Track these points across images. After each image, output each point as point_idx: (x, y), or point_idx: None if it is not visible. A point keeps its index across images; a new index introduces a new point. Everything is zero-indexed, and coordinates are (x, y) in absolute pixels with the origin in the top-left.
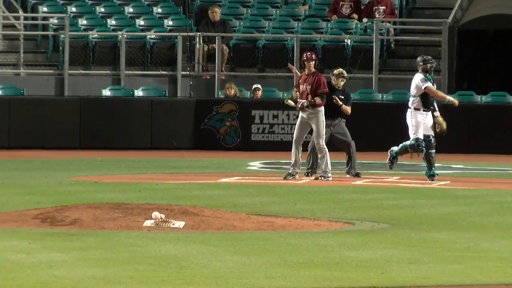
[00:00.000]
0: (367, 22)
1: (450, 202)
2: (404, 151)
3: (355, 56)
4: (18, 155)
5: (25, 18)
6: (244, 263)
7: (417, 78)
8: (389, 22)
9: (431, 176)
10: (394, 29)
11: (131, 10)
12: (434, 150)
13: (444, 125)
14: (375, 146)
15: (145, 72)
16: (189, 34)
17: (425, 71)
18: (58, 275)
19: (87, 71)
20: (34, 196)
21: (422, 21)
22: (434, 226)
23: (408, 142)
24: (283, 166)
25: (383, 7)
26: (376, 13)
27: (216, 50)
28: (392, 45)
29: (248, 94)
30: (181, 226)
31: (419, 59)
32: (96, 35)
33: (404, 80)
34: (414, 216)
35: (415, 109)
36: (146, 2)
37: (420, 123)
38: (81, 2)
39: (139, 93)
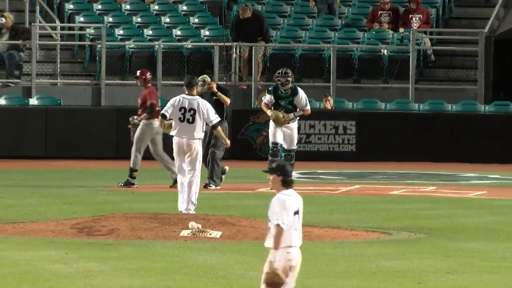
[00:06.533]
0: (403, 32)
1: (487, 212)
2: None
3: (391, 66)
4: (54, 165)
5: (62, 28)
6: None
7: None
8: (425, 32)
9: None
10: (431, 39)
11: (167, 20)
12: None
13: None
14: (411, 156)
15: (181, 82)
16: (225, 44)
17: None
18: (95, 285)
19: (124, 81)
20: (71, 206)
21: (459, 31)
22: (471, 236)
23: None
24: (320, 176)
25: (419, 15)
26: (412, 21)
27: (253, 60)
28: (432, 57)
29: None
30: (218, 236)
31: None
32: (132, 45)
33: (441, 90)
34: (451, 226)
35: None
36: (183, 12)
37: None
38: (117, 12)
39: None
